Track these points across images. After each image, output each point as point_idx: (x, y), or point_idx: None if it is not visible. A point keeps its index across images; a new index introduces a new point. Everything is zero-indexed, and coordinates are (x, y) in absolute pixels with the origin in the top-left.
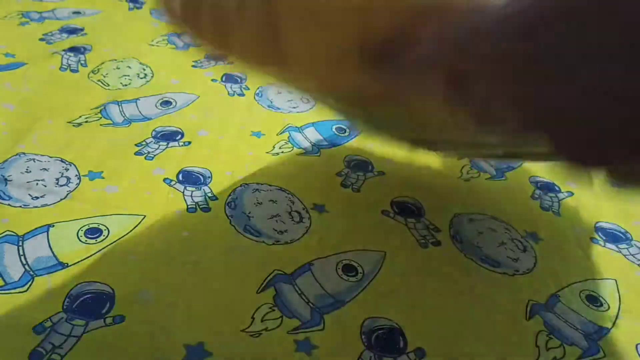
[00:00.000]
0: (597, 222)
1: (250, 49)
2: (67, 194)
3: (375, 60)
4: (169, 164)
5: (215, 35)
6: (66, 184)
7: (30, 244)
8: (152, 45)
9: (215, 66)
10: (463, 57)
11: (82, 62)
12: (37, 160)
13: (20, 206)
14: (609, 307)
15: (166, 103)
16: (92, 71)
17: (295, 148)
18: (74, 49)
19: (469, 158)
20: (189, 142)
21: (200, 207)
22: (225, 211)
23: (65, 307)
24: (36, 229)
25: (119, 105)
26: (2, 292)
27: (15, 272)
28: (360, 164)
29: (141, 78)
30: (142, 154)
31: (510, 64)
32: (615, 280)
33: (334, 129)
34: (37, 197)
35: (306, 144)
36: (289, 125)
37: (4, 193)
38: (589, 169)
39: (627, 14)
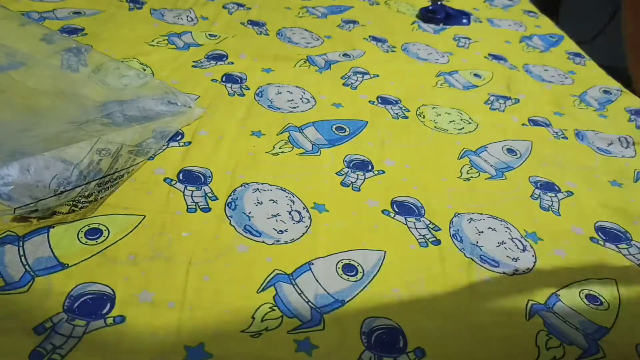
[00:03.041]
0: (597, 222)
1: None
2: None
3: None
4: (169, 163)
5: None
6: None
7: (31, 244)
8: (152, 45)
9: (216, 66)
10: None
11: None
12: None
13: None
14: (608, 307)
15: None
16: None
17: (295, 148)
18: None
19: None
20: (189, 142)
21: (200, 207)
22: (225, 211)
23: (65, 307)
24: (37, 229)
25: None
26: (3, 293)
27: (15, 272)
28: (360, 164)
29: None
30: None
31: None
32: (615, 280)
33: (333, 129)
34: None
35: (306, 144)
36: (289, 125)
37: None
38: None
39: None
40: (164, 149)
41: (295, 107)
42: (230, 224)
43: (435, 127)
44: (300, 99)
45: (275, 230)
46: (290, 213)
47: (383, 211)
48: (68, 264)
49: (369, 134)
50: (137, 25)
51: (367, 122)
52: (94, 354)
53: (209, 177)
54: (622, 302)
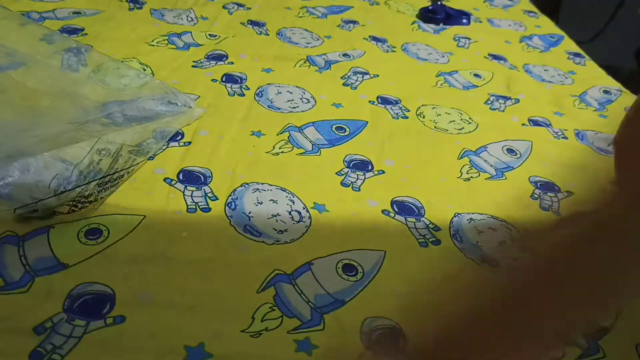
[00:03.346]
0: None
1: None
2: None
3: None
4: (169, 163)
5: None
6: None
7: (31, 244)
8: (152, 45)
9: (216, 66)
10: None
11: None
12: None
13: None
14: None
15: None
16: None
17: (295, 148)
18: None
19: None
20: (189, 142)
21: (200, 207)
22: (225, 211)
23: (65, 307)
24: (37, 229)
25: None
26: (3, 293)
27: (15, 272)
28: (360, 164)
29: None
30: None
31: None
32: None
33: (333, 129)
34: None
35: (306, 144)
36: (289, 125)
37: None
38: None
39: None
40: (164, 149)
41: (295, 107)
42: (230, 223)
43: (435, 127)
44: (300, 99)
45: (275, 230)
46: (290, 213)
47: (383, 211)
48: (68, 264)
49: (369, 134)
50: (137, 25)
51: (367, 122)
52: (94, 354)
53: (209, 177)
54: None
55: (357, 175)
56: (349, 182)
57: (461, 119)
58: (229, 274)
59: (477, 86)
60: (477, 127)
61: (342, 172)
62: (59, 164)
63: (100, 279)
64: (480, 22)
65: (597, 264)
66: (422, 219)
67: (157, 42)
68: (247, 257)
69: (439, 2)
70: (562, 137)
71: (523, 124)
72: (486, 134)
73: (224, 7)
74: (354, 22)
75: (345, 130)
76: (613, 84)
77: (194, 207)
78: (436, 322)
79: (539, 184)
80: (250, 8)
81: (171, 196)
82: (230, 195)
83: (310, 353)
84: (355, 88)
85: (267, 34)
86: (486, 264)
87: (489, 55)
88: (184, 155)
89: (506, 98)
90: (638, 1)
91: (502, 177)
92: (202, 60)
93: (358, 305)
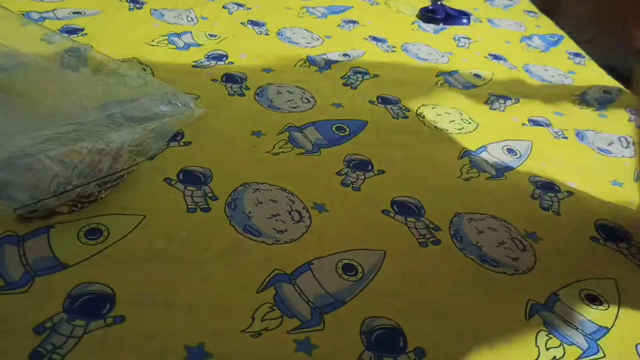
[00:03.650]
0: (597, 221)
1: None
2: None
3: None
4: (169, 163)
5: None
6: None
7: (31, 244)
8: (152, 45)
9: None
10: None
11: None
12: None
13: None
14: (608, 307)
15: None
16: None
17: (295, 147)
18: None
19: None
20: (189, 142)
21: (200, 207)
22: (225, 211)
23: (65, 307)
24: (37, 229)
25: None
26: (3, 293)
27: (15, 272)
28: (360, 164)
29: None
30: None
31: None
32: (615, 280)
33: (333, 129)
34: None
35: (306, 144)
36: (289, 124)
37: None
38: None
39: None
40: (164, 149)
41: (295, 107)
42: (230, 223)
43: (435, 127)
44: (300, 98)
45: (275, 230)
46: (290, 213)
47: (383, 211)
48: (68, 264)
49: (369, 134)
50: (137, 25)
51: (367, 122)
52: (94, 354)
53: (209, 177)
54: (622, 302)
55: (357, 175)
56: (349, 182)
57: (461, 119)
58: (229, 274)
59: (477, 86)
60: (477, 127)
61: (342, 172)
62: (59, 164)
63: (100, 279)
64: (480, 22)
65: None
66: (422, 219)
67: (157, 42)
68: (247, 257)
69: (439, 2)
70: (562, 137)
71: (523, 124)
72: (486, 134)
73: (224, 7)
74: (354, 22)
75: (345, 130)
76: (613, 84)
77: (194, 207)
78: None
79: (539, 183)
80: (250, 8)
81: (171, 196)
82: (230, 195)
83: (310, 353)
84: (355, 88)
85: (267, 34)
86: (486, 263)
87: (489, 55)
88: (184, 155)
89: (506, 98)
90: None
91: (502, 177)
92: (202, 60)
93: (358, 305)
